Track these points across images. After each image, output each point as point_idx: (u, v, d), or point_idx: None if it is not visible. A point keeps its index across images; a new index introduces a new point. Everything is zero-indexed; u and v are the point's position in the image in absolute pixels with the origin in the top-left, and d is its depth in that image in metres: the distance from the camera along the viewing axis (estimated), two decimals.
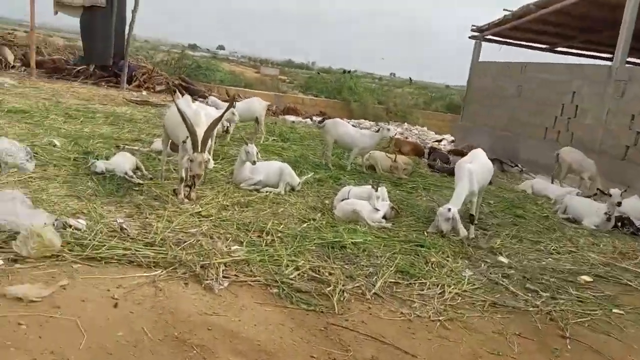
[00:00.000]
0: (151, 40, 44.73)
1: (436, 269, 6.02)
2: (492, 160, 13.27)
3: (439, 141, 20.02)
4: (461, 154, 14.78)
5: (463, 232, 7.11)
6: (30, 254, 4.74)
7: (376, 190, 7.43)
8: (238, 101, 11.48)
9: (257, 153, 7.79)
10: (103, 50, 18.38)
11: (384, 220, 7.26)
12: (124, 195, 6.70)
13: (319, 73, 37.74)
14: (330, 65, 44.11)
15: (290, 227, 6.54)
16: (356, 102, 28.54)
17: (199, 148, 6.39)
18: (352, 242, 6.28)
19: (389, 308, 5.04)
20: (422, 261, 6.16)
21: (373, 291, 5.27)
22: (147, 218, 6.10)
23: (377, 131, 9.91)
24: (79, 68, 17.94)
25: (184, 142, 6.62)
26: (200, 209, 6.61)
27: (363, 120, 23.70)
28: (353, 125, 10.88)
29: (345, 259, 5.90)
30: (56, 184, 6.64)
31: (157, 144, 9.04)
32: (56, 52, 21.95)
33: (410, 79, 40.18)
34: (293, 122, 16.38)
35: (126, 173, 7.29)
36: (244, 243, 5.81)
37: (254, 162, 7.64)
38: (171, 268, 5.02)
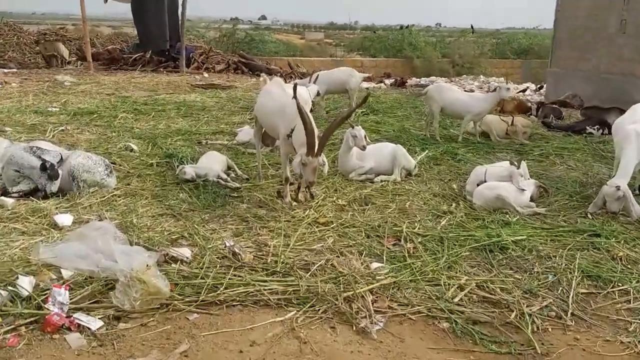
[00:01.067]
0: (193, 19, 43.87)
1: (630, 266, 4.68)
2: (611, 109, 11.66)
3: (523, 91, 18.17)
4: (565, 104, 13.10)
5: (638, 211, 5.68)
6: (134, 306, 3.72)
7: (518, 167, 6.07)
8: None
9: (365, 136, 6.54)
10: (158, 35, 17.40)
11: (533, 204, 5.91)
12: (223, 205, 5.62)
13: (374, 32, 35.92)
14: (373, 22, 42.00)
15: (427, 227, 5.31)
16: (419, 57, 26.82)
17: (315, 152, 5.20)
18: (512, 241, 4.99)
19: (600, 335, 3.80)
20: (608, 257, 4.83)
21: (570, 311, 4.00)
22: (259, 234, 5.00)
23: (494, 90, 8.40)
24: (135, 56, 17.04)
25: (289, 136, 5.45)
26: (316, 215, 5.46)
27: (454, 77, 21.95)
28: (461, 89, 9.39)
29: (511, 265, 4.66)
30: (144, 201, 5.62)
31: (242, 135, 7.92)
32: (109, 42, 21.20)
33: (471, 26, 37.72)
34: (367, 88, 14.96)
35: (219, 177, 6.21)
36: (383, 257, 4.64)
37: (363, 147, 6.40)
38: (308, 305, 3.90)
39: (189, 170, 6.15)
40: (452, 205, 5.93)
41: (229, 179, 6.27)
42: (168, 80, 14.46)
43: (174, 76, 15.54)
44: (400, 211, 5.71)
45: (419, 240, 5.00)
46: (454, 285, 4.26)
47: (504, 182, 6.00)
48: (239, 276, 4.21)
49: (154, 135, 8.18)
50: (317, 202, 5.82)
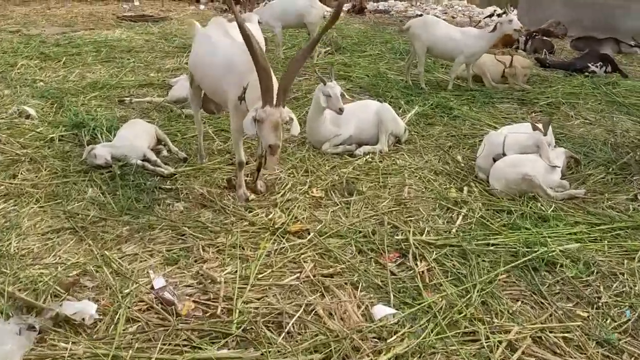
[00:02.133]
0: None
1: None
2: (606, 39, 10.25)
3: (490, 16, 16.48)
4: (549, 34, 11.58)
5: None
6: None
7: (545, 133, 4.60)
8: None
9: (342, 94, 4.88)
10: None
11: (566, 184, 4.49)
12: (150, 207, 3.96)
13: None
14: None
15: (439, 230, 3.83)
16: None
17: (274, 100, 3.54)
18: (560, 251, 3.57)
19: None
20: None
21: None
22: (202, 259, 3.41)
23: (494, 30, 6.71)
24: None
25: (242, 98, 3.75)
26: (284, 216, 3.88)
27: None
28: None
29: (568, 293, 3.26)
30: (34, 207, 3.89)
31: (177, 89, 6.10)
32: None
33: None
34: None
35: (145, 158, 4.50)
36: (389, 291, 3.16)
37: (340, 111, 4.76)
38: None
39: (102, 152, 4.41)
40: (463, 189, 4.44)
41: (158, 160, 4.55)
42: (90, 11, 12.16)
43: (98, 4, 13.18)
44: (397, 203, 4.18)
45: (433, 255, 3.51)
46: (499, 340, 2.82)
47: (528, 153, 4.53)
48: (173, 349, 2.65)
49: (61, 92, 6.27)
50: (284, 193, 4.23)
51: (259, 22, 7.02)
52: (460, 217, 4.00)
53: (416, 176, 4.67)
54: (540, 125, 4.65)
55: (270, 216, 3.90)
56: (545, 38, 10.06)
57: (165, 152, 4.85)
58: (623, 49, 9.92)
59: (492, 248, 3.61)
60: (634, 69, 8.76)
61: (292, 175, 4.58)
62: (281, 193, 4.24)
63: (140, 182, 4.25)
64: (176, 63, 7.87)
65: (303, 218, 3.91)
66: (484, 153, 4.69)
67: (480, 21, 11.42)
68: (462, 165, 4.88)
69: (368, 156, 4.97)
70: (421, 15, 11.02)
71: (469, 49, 6.71)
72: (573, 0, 13.29)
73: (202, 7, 14.22)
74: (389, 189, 4.41)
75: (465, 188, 4.45)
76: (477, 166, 4.72)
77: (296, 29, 8.98)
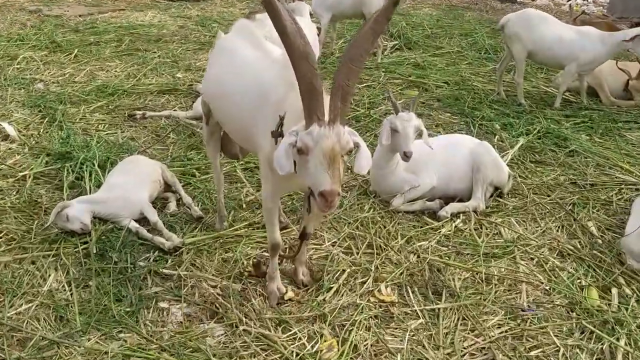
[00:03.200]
0: None
1: None
2: None
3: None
4: None
5: None
6: None
7: None
8: None
9: (420, 128, 3.37)
10: None
11: None
12: (133, 314, 2.60)
13: None
14: None
15: None
16: None
17: (329, 112, 2.10)
18: None
19: None
20: None
21: None
22: None
23: (631, 40, 4.85)
24: None
25: (277, 133, 2.28)
26: (335, 346, 2.47)
27: None
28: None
29: None
30: None
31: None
32: None
33: None
34: None
35: (145, 216, 3.15)
36: None
37: (405, 156, 3.27)
38: None
39: (77, 213, 3.07)
40: (610, 289, 2.90)
41: (159, 223, 3.18)
42: None
43: None
44: (511, 317, 2.69)
45: None
46: None
47: None
48: None
49: (59, 99, 4.96)
50: (337, 289, 2.80)
51: (310, 15, 5.56)
52: (619, 356, 2.48)
53: (532, 259, 3.15)
54: None
55: (314, 345, 2.48)
56: None
57: (173, 206, 3.47)
58: None
59: None
60: None
61: (348, 252, 3.14)
62: (333, 288, 2.81)
63: (127, 262, 2.89)
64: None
65: (366, 348, 2.47)
66: (633, 223, 3.13)
67: (583, 12, 9.35)
68: (600, 242, 3.32)
69: (458, 220, 3.47)
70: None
71: (587, 55, 5.03)
72: None
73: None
74: (495, 285, 2.92)
75: (614, 290, 2.90)
76: (625, 247, 3.16)
77: (347, 20, 7.35)
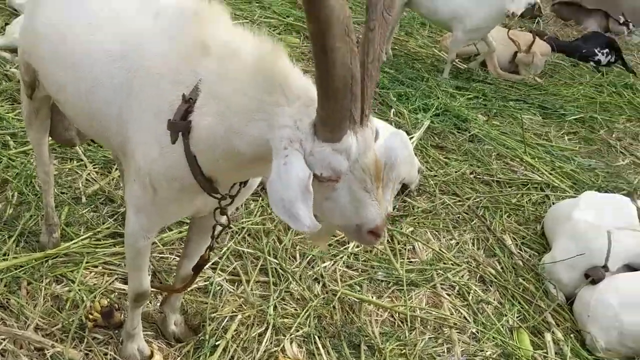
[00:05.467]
0: None
1: None
2: (595, 11, 8.51)
3: None
4: None
5: None
6: None
7: None
8: None
9: None
10: None
11: None
12: None
13: None
14: None
15: None
16: None
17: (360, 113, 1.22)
18: None
19: None
20: None
21: None
22: None
23: None
24: None
25: (182, 124, 1.39)
26: None
27: None
28: None
29: None
30: None
31: (14, 29, 3.31)
32: None
33: None
34: None
35: None
36: None
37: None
38: None
39: None
40: (542, 332, 2.49)
41: None
42: None
43: None
44: None
45: None
46: None
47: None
48: None
49: None
50: (217, 345, 2.03)
51: None
52: None
53: (453, 287, 2.64)
54: None
55: None
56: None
57: None
58: (611, 25, 8.24)
59: None
60: (634, 61, 7.03)
61: (236, 280, 2.34)
62: (219, 347, 2.02)
63: None
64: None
65: None
66: (558, 250, 2.75)
67: None
68: (521, 263, 2.89)
69: None
70: None
71: (471, 19, 4.49)
72: None
73: None
74: (420, 332, 2.35)
75: (548, 336, 2.48)
76: (551, 275, 2.76)
77: None
